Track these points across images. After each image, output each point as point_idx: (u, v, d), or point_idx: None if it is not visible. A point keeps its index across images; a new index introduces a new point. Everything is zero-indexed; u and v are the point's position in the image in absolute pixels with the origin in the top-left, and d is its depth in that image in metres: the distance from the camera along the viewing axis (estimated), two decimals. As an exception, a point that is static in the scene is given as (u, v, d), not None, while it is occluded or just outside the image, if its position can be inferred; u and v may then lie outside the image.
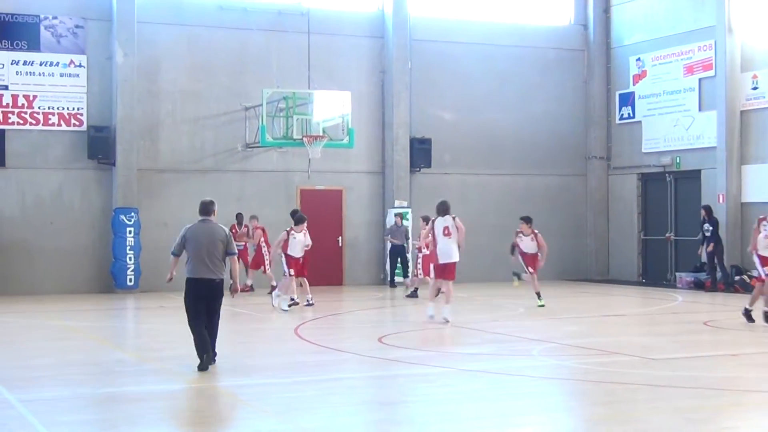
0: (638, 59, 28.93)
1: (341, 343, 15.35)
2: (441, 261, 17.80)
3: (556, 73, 29.63)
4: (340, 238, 26.16)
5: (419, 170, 27.73)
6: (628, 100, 29.31)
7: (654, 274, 28.43)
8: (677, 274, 26.93)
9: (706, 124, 26.56)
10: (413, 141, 27.56)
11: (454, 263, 17.84)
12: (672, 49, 27.74)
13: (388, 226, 26.59)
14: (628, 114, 29.31)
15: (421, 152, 27.59)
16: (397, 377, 12.10)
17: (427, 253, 20.86)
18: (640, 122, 28.92)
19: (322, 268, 24.77)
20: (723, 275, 24.28)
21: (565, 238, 28.16)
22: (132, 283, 24.42)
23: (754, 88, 25.48)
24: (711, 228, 23.62)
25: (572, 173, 29.62)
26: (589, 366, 12.49)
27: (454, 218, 17.82)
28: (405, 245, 25.53)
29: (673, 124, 27.79)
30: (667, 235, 28.24)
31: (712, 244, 23.96)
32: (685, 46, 27.29)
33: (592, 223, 29.28)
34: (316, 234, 25.88)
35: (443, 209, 17.91)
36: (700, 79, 26.89)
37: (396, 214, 25.93)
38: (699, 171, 26.97)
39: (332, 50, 26.84)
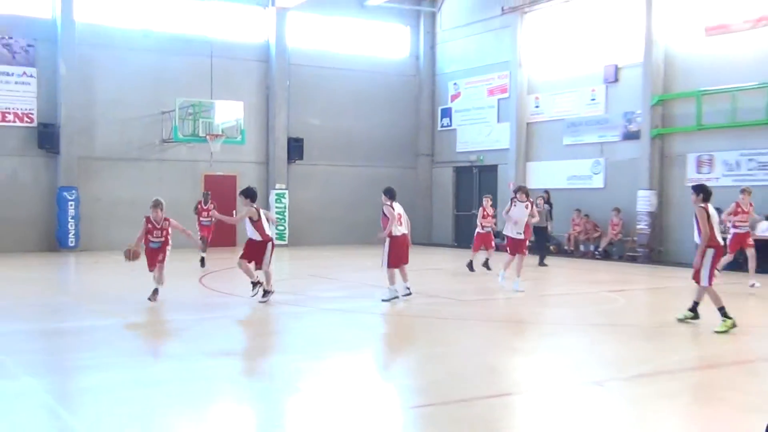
0: (455, 83, 29.49)
1: (233, 290, 15.39)
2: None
3: (396, 91, 30.00)
4: (234, 211, 25.94)
5: (294, 162, 27.78)
6: (447, 113, 29.88)
7: (463, 239, 29.06)
8: (480, 240, 27.69)
9: (502, 132, 27.31)
10: (290, 140, 27.57)
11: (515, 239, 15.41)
12: (479, 77, 28.38)
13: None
14: (447, 123, 29.89)
15: (296, 148, 27.65)
16: (277, 315, 12.27)
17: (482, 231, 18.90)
18: (455, 129, 29.53)
19: (221, 234, 24.64)
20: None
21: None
22: (73, 244, 23.95)
23: (536, 107, 26.33)
24: (549, 208, 22.42)
25: (406, 166, 30.09)
26: (415, 305, 12.82)
27: (531, 203, 15.79)
28: (548, 226, 21.45)
29: (478, 131, 28.49)
30: (473, 211, 29.00)
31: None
32: (488, 75, 27.96)
33: (420, 203, 29.81)
34: (217, 208, 25.70)
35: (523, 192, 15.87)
36: (498, 100, 27.60)
37: (539, 196, 21.14)
38: (496, 165, 27.77)
39: (229, 70, 26.59)
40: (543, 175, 25.89)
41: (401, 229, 13.07)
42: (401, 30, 30.24)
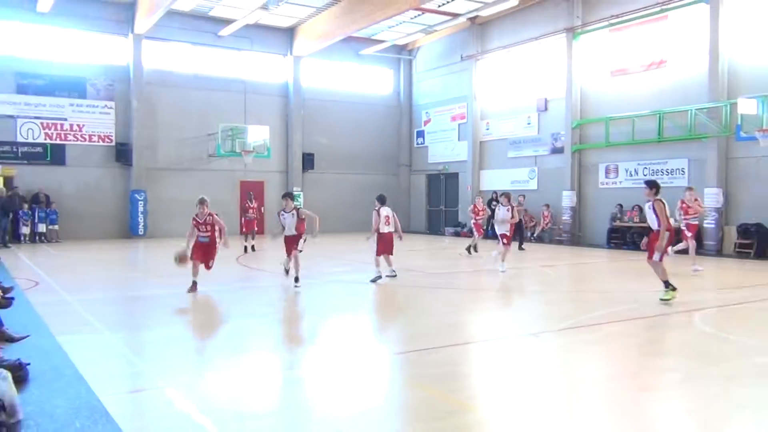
0: (426, 112, 29.41)
1: (263, 267, 15.30)
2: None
3: (383, 118, 29.87)
4: (262, 207, 25.80)
5: (308, 171, 27.60)
6: (421, 134, 29.78)
7: (433, 228, 29.19)
8: (446, 228, 27.72)
9: (462, 148, 27.26)
10: (304, 154, 27.40)
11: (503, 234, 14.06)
12: (445, 107, 28.32)
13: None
14: (421, 142, 29.80)
15: (308, 161, 27.50)
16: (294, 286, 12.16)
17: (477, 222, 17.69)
18: (427, 146, 29.45)
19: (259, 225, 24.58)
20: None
21: (386, 208, 28.55)
22: (142, 233, 23.73)
23: (487, 129, 26.30)
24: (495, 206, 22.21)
25: (390, 174, 30.01)
26: (397, 277, 12.73)
27: (513, 207, 14.22)
28: (522, 219, 19.53)
29: (444, 148, 28.44)
30: (441, 207, 29.00)
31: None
32: (451, 105, 27.91)
33: (401, 201, 29.68)
34: (261, 206, 25.61)
35: (507, 198, 14.36)
36: (459, 124, 27.55)
37: (520, 195, 21.54)
38: (457, 173, 27.70)
39: (259, 102, 26.43)
40: (493, 180, 25.88)
41: (387, 228, 12.41)
42: (386, 72, 30.07)
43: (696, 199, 14.47)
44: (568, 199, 22.52)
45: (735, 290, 11.62)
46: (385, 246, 12.45)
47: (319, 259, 17.07)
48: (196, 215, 11.10)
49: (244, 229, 18.81)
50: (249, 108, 25.99)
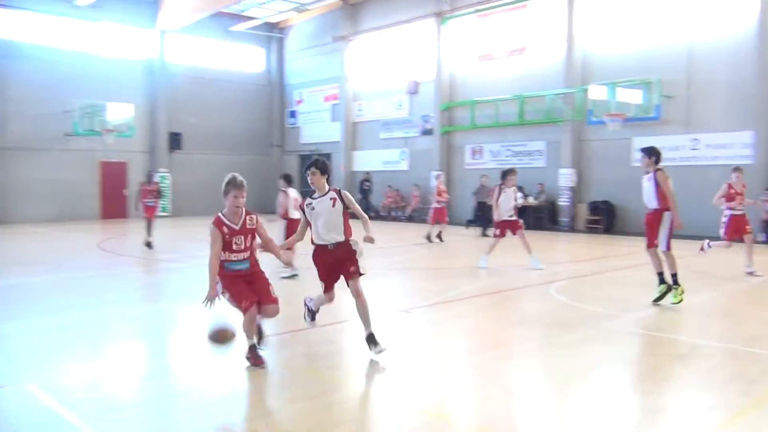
0: (299, 92, 29.20)
1: (128, 252, 14.54)
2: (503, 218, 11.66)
3: (255, 97, 29.32)
4: (124, 190, 24.50)
5: (174, 151, 26.56)
6: (293, 114, 29.55)
7: (307, 209, 29.08)
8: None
9: (335, 129, 27.36)
10: (171, 134, 26.37)
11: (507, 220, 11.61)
12: (317, 87, 28.23)
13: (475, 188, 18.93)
14: (293, 122, 29.58)
15: (175, 140, 26.53)
16: (163, 271, 11.69)
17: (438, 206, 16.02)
18: (300, 127, 29.29)
19: (116, 208, 23.33)
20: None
21: (259, 192, 28.04)
22: (-11, 218, 21.82)
23: (359, 110, 26.54)
24: (370, 185, 23.93)
25: (262, 154, 29.57)
26: (268, 263, 12.51)
27: (519, 189, 11.79)
28: (487, 202, 15.70)
29: (317, 128, 28.38)
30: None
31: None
32: (324, 86, 27.87)
33: (272, 183, 29.06)
34: (111, 189, 24.30)
35: (508, 176, 11.78)
36: (332, 105, 27.60)
37: (482, 176, 18.79)
38: (330, 153, 27.70)
39: (121, 79, 25.05)
40: (365, 160, 26.19)
41: (298, 213, 9.40)
42: (257, 50, 29.48)
43: (744, 185, 10.88)
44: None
45: (586, 262, 12.61)
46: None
47: (188, 242, 16.52)
48: (225, 217, 5.58)
49: (145, 215, 14.84)
50: (110, 84, 24.51)
